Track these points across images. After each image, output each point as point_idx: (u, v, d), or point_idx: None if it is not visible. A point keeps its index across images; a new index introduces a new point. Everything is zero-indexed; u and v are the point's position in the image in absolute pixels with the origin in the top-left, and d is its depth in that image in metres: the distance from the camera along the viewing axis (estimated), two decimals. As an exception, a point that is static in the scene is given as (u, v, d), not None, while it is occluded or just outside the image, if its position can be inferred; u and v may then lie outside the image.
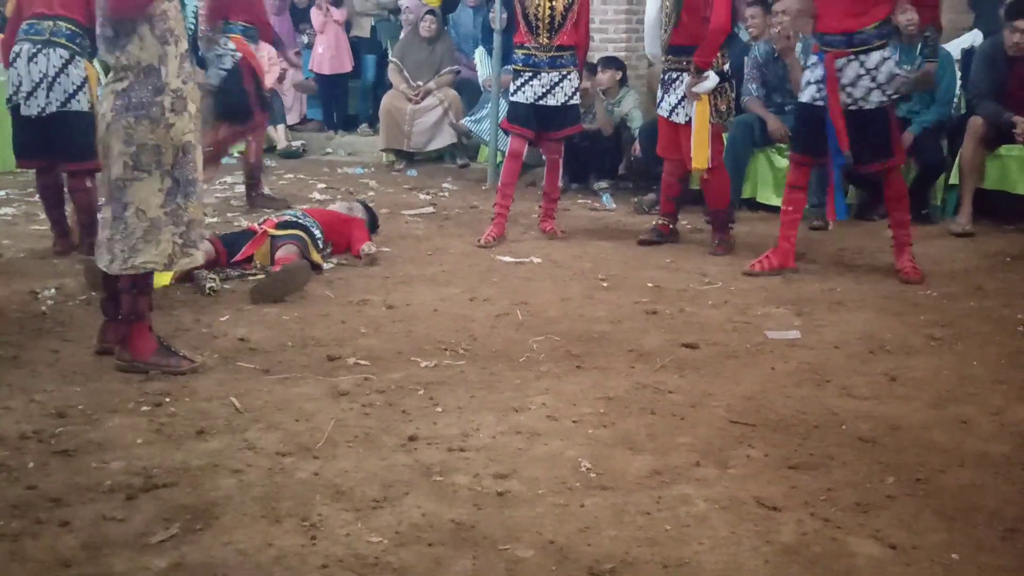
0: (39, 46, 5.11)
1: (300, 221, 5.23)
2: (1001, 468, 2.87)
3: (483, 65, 8.50)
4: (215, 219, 6.27)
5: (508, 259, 5.43)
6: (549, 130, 5.88)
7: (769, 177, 6.69)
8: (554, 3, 5.60)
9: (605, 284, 4.92)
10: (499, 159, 7.42)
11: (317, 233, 5.25)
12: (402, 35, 9.25)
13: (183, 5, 3.46)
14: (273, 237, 5.06)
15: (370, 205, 6.09)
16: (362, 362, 3.75)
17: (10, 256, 5.45)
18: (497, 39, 7.76)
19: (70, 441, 3.01)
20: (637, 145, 7.13)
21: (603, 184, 7.55)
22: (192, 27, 3.30)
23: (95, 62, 5.22)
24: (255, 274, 4.96)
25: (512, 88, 5.85)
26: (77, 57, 5.14)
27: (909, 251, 5.01)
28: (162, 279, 4.42)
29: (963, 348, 3.94)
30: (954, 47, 6.99)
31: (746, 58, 6.63)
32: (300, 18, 10.27)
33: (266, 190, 7.07)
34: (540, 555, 2.38)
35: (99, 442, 3.01)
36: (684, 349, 3.92)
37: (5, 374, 3.59)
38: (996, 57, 6.13)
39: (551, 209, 6.11)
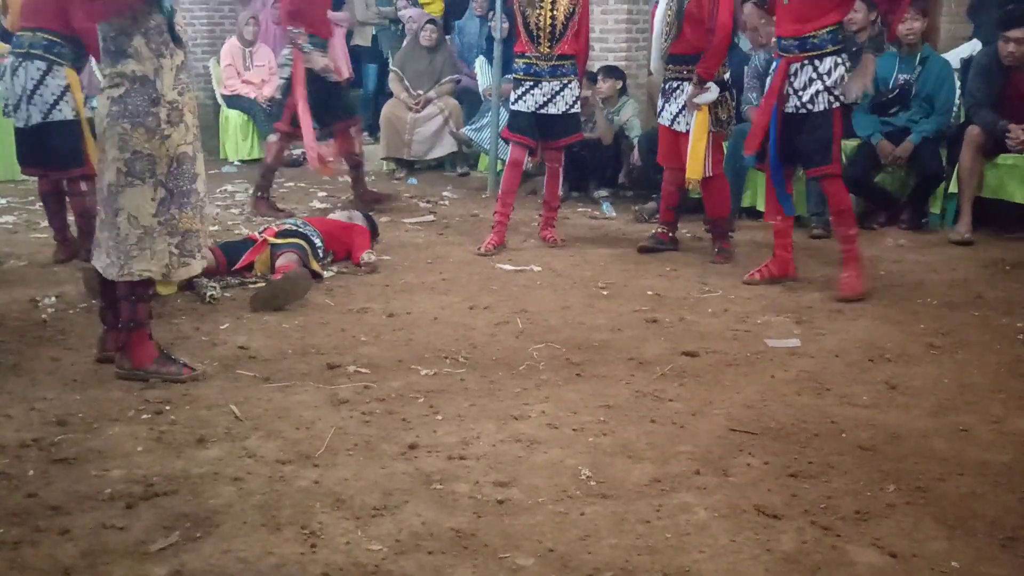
0: (20, 59, 5.15)
1: (300, 230, 5.24)
2: (1001, 477, 2.87)
3: (483, 74, 8.52)
4: (215, 227, 6.28)
5: (508, 267, 5.44)
6: (550, 139, 5.90)
7: (769, 186, 6.69)
8: (555, 13, 5.62)
9: (605, 292, 4.92)
10: (499, 168, 7.43)
11: (317, 242, 5.26)
12: (403, 44, 9.26)
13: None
14: (273, 246, 5.07)
15: (370, 213, 6.10)
16: (362, 370, 3.76)
17: (11, 264, 5.46)
18: (497, 48, 7.78)
19: (70, 449, 3.01)
20: (636, 153, 7.15)
21: (603, 192, 7.56)
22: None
23: (96, 70, 5.24)
24: (255, 282, 4.96)
25: (513, 97, 5.87)
26: (55, 67, 5.12)
27: (855, 265, 4.78)
28: (168, 289, 4.42)
29: (963, 357, 3.94)
30: (953, 57, 7.00)
31: (746, 67, 6.64)
32: None
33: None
34: (540, 563, 2.38)
35: (99, 450, 3.01)
36: (684, 357, 3.92)
37: (5, 382, 3.59)
38: (992, 67, 6.14)
39: (551, 217, 6.12)
